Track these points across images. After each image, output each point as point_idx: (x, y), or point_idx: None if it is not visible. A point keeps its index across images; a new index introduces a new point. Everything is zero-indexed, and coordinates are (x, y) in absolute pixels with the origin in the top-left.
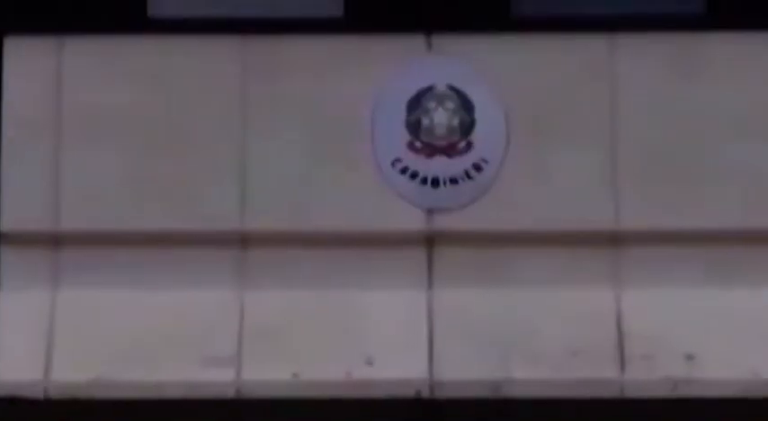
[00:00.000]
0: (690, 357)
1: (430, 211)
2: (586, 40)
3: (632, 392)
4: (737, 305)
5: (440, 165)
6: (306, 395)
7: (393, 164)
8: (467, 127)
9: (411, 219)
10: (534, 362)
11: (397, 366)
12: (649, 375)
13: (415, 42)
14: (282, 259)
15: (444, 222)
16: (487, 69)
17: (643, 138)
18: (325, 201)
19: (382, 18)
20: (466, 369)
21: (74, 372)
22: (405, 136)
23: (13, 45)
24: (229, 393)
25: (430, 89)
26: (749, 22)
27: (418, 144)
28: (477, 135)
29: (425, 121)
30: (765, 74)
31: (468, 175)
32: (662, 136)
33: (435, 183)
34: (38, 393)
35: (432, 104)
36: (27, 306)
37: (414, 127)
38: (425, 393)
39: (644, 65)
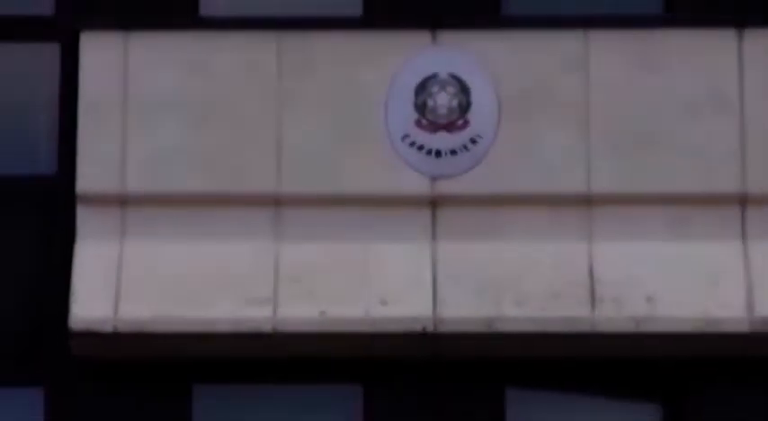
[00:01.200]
0: (650, 299)
1: (434, 178)
2: (565, 35)
3: (602, 328)
4: (690, 256)
5: (442, 140)
6: (331, 330)
7: (403, 138)
8: (464, 108)
9: (418, 185)
10: (521, 302)
11: (407, 306)
12: (616, 314)
13: (422, 37)
14: (311, 217)
15: (445, 187)
16: (482, 60)
17: (611, 117)
18: (346, 170)
19: (394, 17)
20: (464, 308)
21: (138, 310)
22: (413, 115)
23: (87, 40)
24: (267, 328)
25: (434, 76)
26: (699, 21)
27: (424, 122)
28: (473, 114)
29: (430, 103)
30: (712, 64)
31: (465, 148)
32: (627, 116)
33: (438, 154)
34: (108, 327)
35: (435, 89)
36: (99, 255)
37: (420, 108)
38: (430, 328)
39: (612, 57)
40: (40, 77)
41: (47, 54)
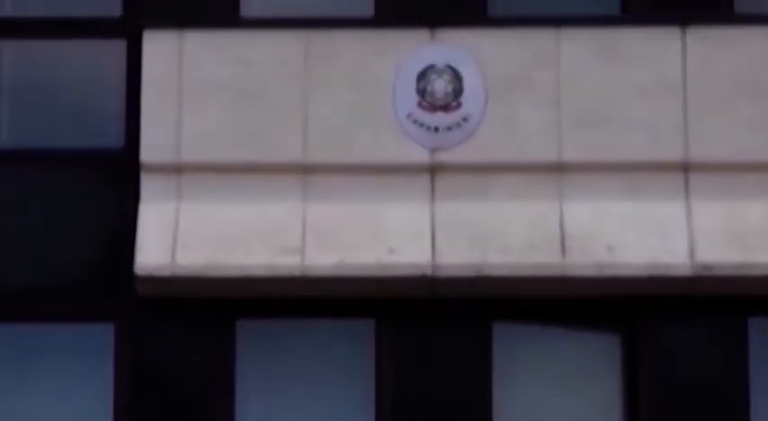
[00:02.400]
0: (610, 248)
1: (432, 150)
2: (540, 32)
3: (571, 272)
4: (643, 213)
5: (439, 118)
6: (348, 274)
7: (407, 117)
8: (458, 92)
9: (419, 155)
10: (504, 251)
11: (410, 254)
12: (582, 260)
13: (423, 34)
14: (331, 182)
15: (442, 157)
16: (472, 52)
17: (578, 99)
18: (360, 143)
19: (400, 17)
20: (457, 256)
21: (191, 258)
22: (415, 98)
23: (149, 37)
24: (296, 272)
25: (432, 66)
26: (650, 20)
27: (424, 103)
28: (464, 97)
29: (429, 88)
30: (661, 55)
31: (458, 125)
32: (591, 98)
33: (436, 130)
34: (166, 272)
35: (433, 77)
36: (159, 213)
37: (421, 92)
38: (429, 273)
39: (579, 50)
40: (110, 68)
41: (116, 48)
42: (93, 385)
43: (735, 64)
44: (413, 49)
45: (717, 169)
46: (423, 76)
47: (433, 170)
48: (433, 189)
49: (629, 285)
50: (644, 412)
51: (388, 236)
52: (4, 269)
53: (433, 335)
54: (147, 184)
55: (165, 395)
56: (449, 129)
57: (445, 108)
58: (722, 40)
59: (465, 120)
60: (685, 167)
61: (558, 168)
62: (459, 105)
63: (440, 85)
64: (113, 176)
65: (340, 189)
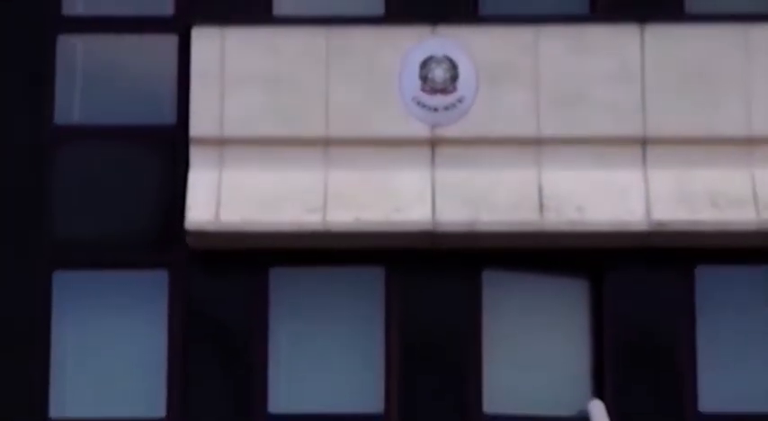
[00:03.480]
0: (580, 208)
1: (433, 126)
2: (523, 29)
3: (547, 228)
4: (608, 179)
5: (438, 100)
6: (362, 229)
7: (412, 99)
8: (454, 78)
9: (422, 131)
10: (492, 210)
11: (415, 213)
12: (557, 218)
13: (425, 30)
14: (348, 153)
15: (441, 132)
16: (466, 45)
17: (554, 84)
18: (373, 120)
19: (405, 16)
20: (453, 214)
21: (232, 215)
22: (418, 83)
23: (197, 33)
24: (319, 228)
25: (432, 57)
26: (613, 18)
27: (426, 88)
28: (459, 83)
29: (430, 75)
30: (622, 48)
31: (454, 106)
32: (565, 83)
33: (436, 110)
34: (212, 228)
35: (434, 65)
36: (205, 179)
37: (423, 78)
38: (430, 228)
39: (555, 43)
40: (165, 58)
41: (169, 42)
42: (150, 323)
43: (684, 55)
44: (416, 43)
45: (669, 143)
46: (424, 64)
47: (433, 143)
48: (433, 159)
49: (595, 239)
50: (607, 345)
51: (396, 197)
52: (80, 225)
53: (433, 280)
54: (196, 155)
55: (210, 330)
56: (446, 109)
57: (443, 91)
58: (674, 36)
59: (460, 101)
60: (643, 141)
61: (537, 141)
62: (455, 89)
63: (439, 73)
64: (168, 148)
65: (355, 158)
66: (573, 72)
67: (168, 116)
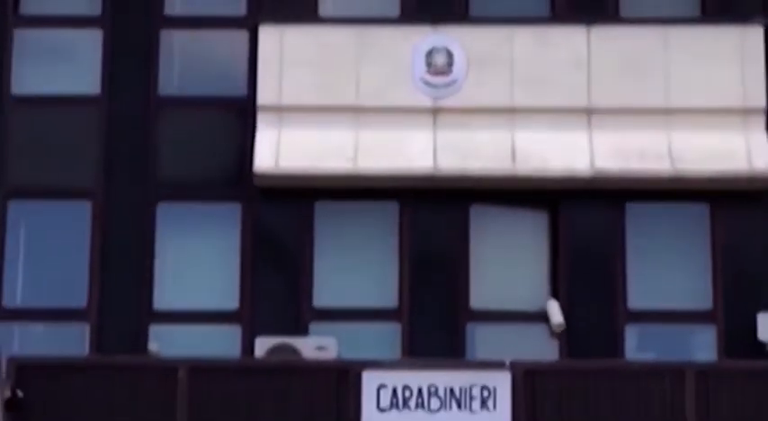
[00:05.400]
0: (544, 158)
1: (435, 99)
2: (500, 27)
3: (519, 174)
4: (564, 138)
5: (439, 80)
6: (383, 174)
7: (420, 79)
8: (450, 64)
9: (427, 102)
10: (478, 160)
11: (421, 161)
12: (526, 166)
13: (429, 28)
14: (372, 118)
15: (441, 103)
16: (460, 39)
17: (525, 69)
18: (390, 94)
19: (416, 17)
20: (450, 163)
21: (289, 162)
22: (424, 67)
23: (263, 29)
24: (352, 173)
25: (435, 48)
26: (568, 20)
27: (430, 70)
28: (454, 67)
29: (433, 61)
30: (574, 44)
31: (451, 84)
32: (532, 69)
33: (437, 87)
34: (273, 172)
35: (436, 54)
36: (268, 136)
37: (428, 64)
38: (432, 173)
39: (526, 39)
40: (239, 48)
41: (242, 37)
42: (227, 241)
43: (620, 48)
44: (423, 37)
45: (608, 112)
46: (429, 54)
47: (435, 111)
48: (435, 123)
49: (553, 182)
50: (560, 260)
51: (407, 151)
52: (178, 170)
53: (434, 212)
54: (261, 118)
55: (270, 246)
56: (445, 86)
57: (443, 74)
58: (612, 34)
59: (454, 81)
60: (588, 111)
61: (511, 110)
62: (451, 72)
63: (440, 60)
64: (241, 113)
65: (378, 122)
66: (538, 59)
67: (242, 90)
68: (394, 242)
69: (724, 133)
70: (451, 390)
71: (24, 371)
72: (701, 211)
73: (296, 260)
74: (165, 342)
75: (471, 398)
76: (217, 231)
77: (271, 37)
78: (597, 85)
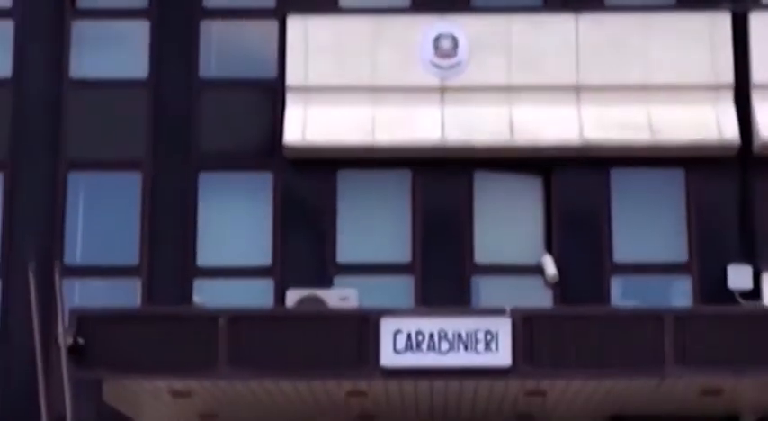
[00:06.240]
0: (538, 129)
1: (442, 79)
2: (498, 15)
3: (516, 144)
4: (556, 112)
5: (446, 62)
6: (397, 145)
7: (429, 61)
8: (455, 47)
9: (435, 81)
10: (481, 132)
11: (431, 134)
12: (523, 137)
13: (436, 17)
14: (388, 96)
15: (447, 82)
16: (463, 26)
17: (521, 53)
18: (404, 74)
19: (425, 7)
20: (454, 132)
21: (314, 135)
22: (433, 51)
23: (290, 19)
24: (369, 145)
25: (442, 34)
26: (557, 9)
27: (438, 54)
28: (459, 50)
29: (440, 46)
30: (566, 30)
31: (456, 65)
32: (527, 52)
33: (443, 67)
34: (300, 144)
35: (443, 40)
36: (295, 112)
37: (436, 48)
38: (440, 144)
39: (521, 26)
40: (269, 35)
41: (272, 26)
42: (260, 206)
43: (604, 33)
44: (431, 25)
45: (594, 89)
46: (437, 39)
47: (442, 90)
48: (442, 100)
49: (546, 151)
50: (554, 219)
51: (418, 124)
52: (217, 142)
53: (442, 178)
54: (290, 97)
55: (298, 210)
56: (451, 67)
57: (449, 56)
58: (597, 20)
59: (459, 63)
60: (577, 88)
61: (509, 88)
62: (456, 55)
63: (446, 44)
64: (272, 93)
65: (392, 99)
66: (532, 44)
67: (272, 72)
68: (407, 205)
69: (697, 106)
70: (459, 335)
71: (84, 320)
72: (677, 175)
73: (321, 222)
74: (207, 294)
75: (476, 341)
76: (251, 197)
77: (297, 26)
78: (584, 65)
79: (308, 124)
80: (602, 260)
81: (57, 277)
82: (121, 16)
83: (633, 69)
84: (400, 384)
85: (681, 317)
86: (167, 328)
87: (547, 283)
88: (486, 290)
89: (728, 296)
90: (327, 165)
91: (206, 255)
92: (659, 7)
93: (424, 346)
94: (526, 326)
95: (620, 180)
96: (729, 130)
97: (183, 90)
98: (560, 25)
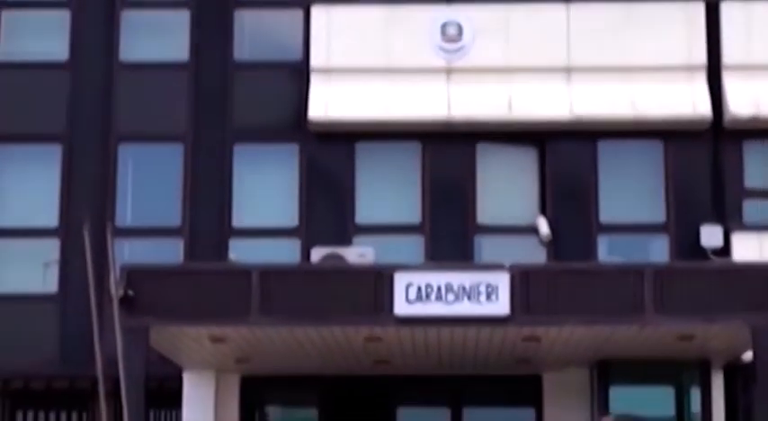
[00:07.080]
0: (532, 107)
1: (448, 61)
2: (499, 5)
3: (515, 119)
4: (550, 89)
5: (451, 46)
6: (410, 119)
7: (436, 45)
8: (460, 33)
9: (442, 63)
10: (482, 108)
11: (438, 109)
12: (519, 112)
13: (444, 6)
14: (401, 76)
15: (453, 64)
16: (467, 14)
17: (518, 39)
18: (416, 57)
19: None
20: (461, 111)
21: (336, 112)
22: (440, 36)
23: (314, 8)
24: (385, 119)
25: (448, 21)
26: None
27: (444, 38)
28: (463, 36)
29: (447, 31)
30: (558, 18)
31: (460, 49)
32: (523, 37)
33: (449, 51)
34: (323, 119)
35: (449, 26)
36: (319, 90)
37: (443, 33)
38: (447, 119)
39: (517, 14)
40: (296, 23)
41: (297, 14)
42: (287, 173)
43: (593, 21)
44: (439, 13)
45: (584, 70)
46: (444, 26)
47: (448, 71)
48: (448, 79)
49: (541, 125)
50: (547, 186)
51: (427, 102)
52: (249, 117)
53: (449, 149)
54: (314, 77)
55: (321, 178)
56: (455, 51)
57: (454, 41)
58: (586, 9)
59: (463, 47)
60: (568, 69)
61: (507, 69)
62: (461, 40)
63: (452, 30)
64: (298, 73)
65: (404, 79)
66: (528, 30)
67: (298, 55)
68: (417, 173)
69: (674, 85)
70: (463, 287)
71: (134, 275)
72: (656, 146)
73: (341, 188)
74: (241, 252)
75: (479, 293)
76: (280, 166)
77: (320, 14)
78: (575, 49)
79: (330, 101)
80: (590, 221)
81: (109, 237)
82: (165, 6)
83: (618, 52)
84: (412, 331)
85: (659, 271)
86: (206, 282)
87: (541, 242)
88: (488, 247)
89: (701, 253)
90: (347, 138)
91: (240, 217)
92: None
93: (433, 297)
94: (523, 279)
95: (606, 150)
96: (703, 106)
97: (219, 72)
98: (553, 13)
